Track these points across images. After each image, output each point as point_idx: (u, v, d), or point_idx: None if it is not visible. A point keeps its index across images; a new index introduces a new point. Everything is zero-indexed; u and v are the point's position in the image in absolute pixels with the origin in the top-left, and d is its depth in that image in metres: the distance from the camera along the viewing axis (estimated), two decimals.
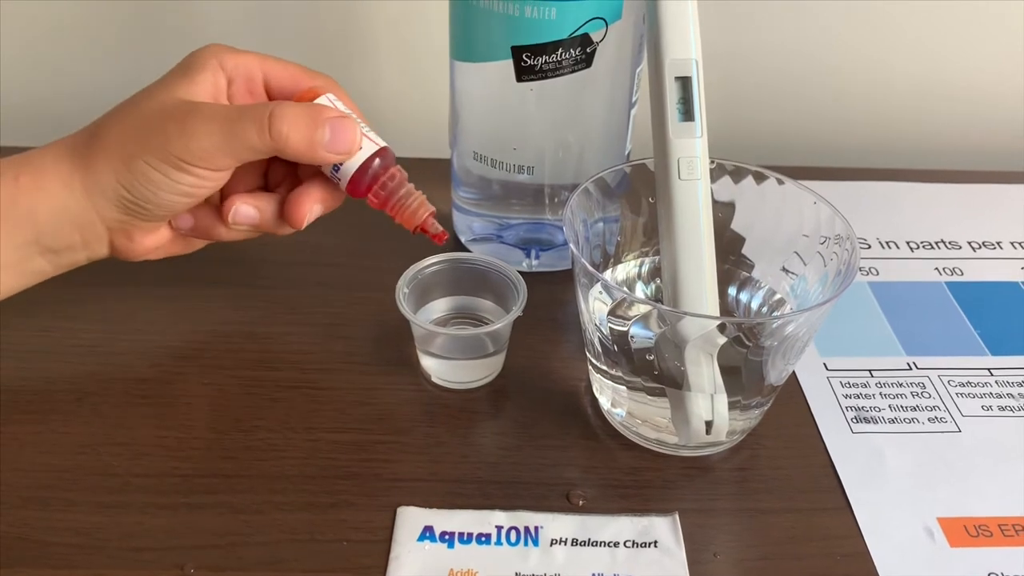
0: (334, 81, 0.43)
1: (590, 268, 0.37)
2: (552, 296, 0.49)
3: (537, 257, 0.51)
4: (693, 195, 0.39)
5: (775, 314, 0.43)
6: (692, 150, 0.39)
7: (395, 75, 0.63)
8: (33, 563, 0.35)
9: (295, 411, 0.42)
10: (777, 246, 0.44)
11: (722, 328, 0.38)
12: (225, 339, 0.46)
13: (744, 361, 0.39)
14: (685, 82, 0.39)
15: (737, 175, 0.44)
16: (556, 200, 0.50)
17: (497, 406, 0.43)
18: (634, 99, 0.47)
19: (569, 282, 0.51)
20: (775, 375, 0.40)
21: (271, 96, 0.43)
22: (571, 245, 0.38)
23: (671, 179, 0.39)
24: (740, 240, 0.45)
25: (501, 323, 0.42)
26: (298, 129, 0.39)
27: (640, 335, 0.40)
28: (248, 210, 0.42)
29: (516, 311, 0.42)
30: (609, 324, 0.40)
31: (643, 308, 0.41)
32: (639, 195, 0.44)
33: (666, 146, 0.39)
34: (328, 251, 0.52)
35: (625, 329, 0.40)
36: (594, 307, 0.40)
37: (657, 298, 0.43)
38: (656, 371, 0.39)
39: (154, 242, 0.43)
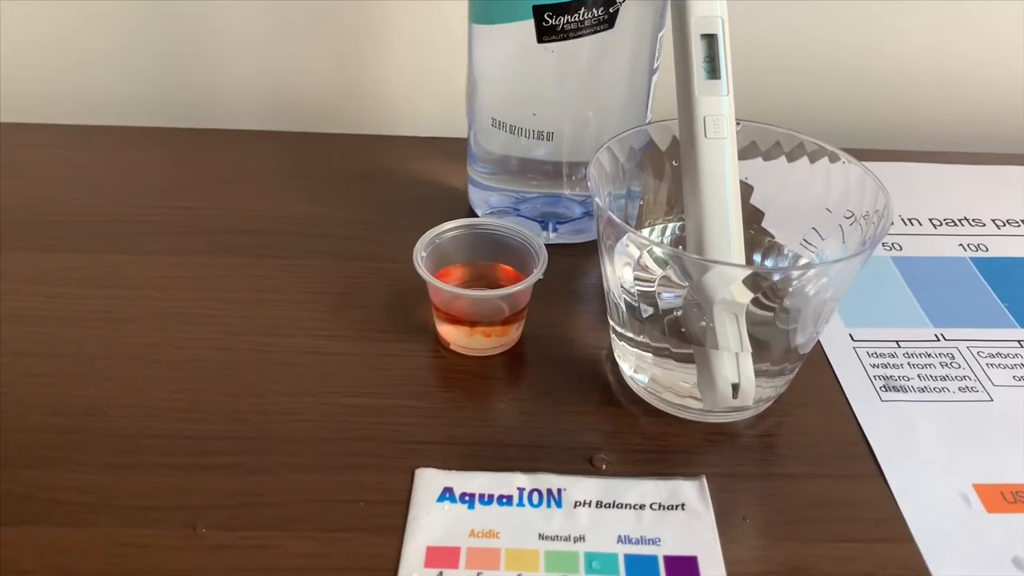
0: None
1: (616, 219, 0.36)
2: (571, 268, 0.48)
3: (555, 230, 0.50)
4: (719, 154, 0.39)
5: (801, 264, 0.42)
6: (719, 108, 0.39)
7: (410, 54, 0.62)
8: (40, 521, 0.34)
9: (309, 376, 0.41)
10: (798, 219, 0.43)
11: (748, 284, 0.37)
12: (236, 306, 0.45)
13: (770, 327, 0.38)
14: (711, 40, 0.39)
15: (763, 139, 0.43)
16: (574, 178, 0.49)
17: (516, 373, 0.42)
18: (656, 65, 0.46)
19: (588, 255, 0.50)
20: (801, 341, 0.39)
21: None
22: (596, 199, 0.37)
23: (697, 137, 0.39)
24: (759, 214, 0.44)
25: (522, 285, 0.41)
26: None
27: (666, 293, 0.39)
28: None
29: (537, 274, 0.41)
30: (635, 284, 0.39)
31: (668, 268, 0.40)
32: (662, 159, 0.43)
33: (691, 104, 0.38)
34: (343, 224, 0.51)
35: (651, 289, 0.39)
36: (619, 267, 0.39)
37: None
38: (683, 329, 0.38)
39: None
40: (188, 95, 0.63)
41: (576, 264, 0.49)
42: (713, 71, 0.39)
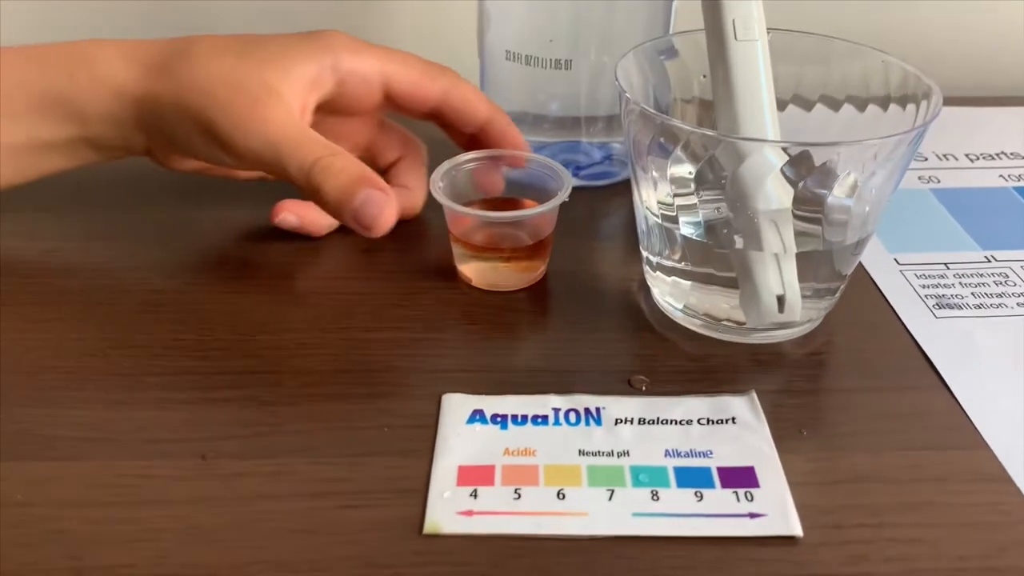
0: (457, 76, 0.42)
1: (649, 110, 0.34)
2: (594, 210, 0.46)
3: (576, 175, 0.48)
4: (752, 56, 0.36)
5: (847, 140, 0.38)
6: (748, 9, 0.36)
7: (417, 16, 0.61)
8: (37, 456, 0.32)
9: (325, 314, 0.39)
10: None
11: (788, 175, 0.34)
12: (245, 252, 0.42)
13: (813, 239, 0.36)
14: None
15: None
16: (591, 129, 0.47)
17: (544, 306, 0.40)
18: None
19: (610, 198, 0.48)
20: (850, 242, 0.36)
21: (393, 96, 0.41)
22: (626, 94, 0.35)
23: (727, 41, 0.36)
24: None
25: (548, 206, 0.38)
26: (338, 184, 0.37)
27: (703, 208, 0.37)
28: (291, 219, 0.42)
29: (562, 196, 0.39)
30: (673, 195, 0.36)
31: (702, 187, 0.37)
32: (690, 77, 0.41)
33: (719, 7, 0.36)
34: None
35: (690, 203, 0.37)
36: (656, 182, 0.37)
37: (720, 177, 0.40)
38: (724, 231, 0.35)
39: (189, 167, 0.43)
40: None
41: (599, 207, 0.46)
42: None
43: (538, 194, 0.41)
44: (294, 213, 0.42)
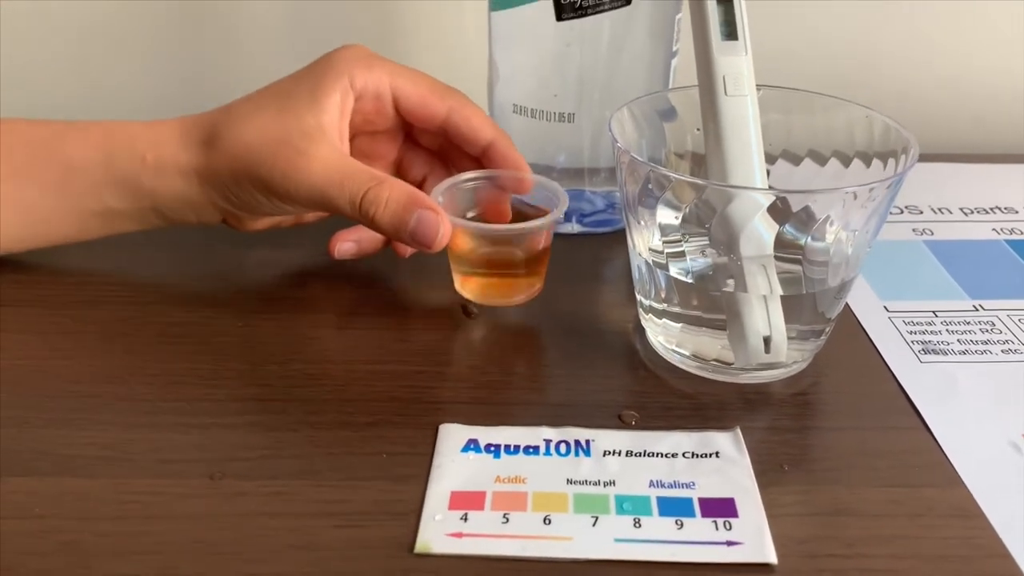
0: (465, 97, 0.43)
1: (638, 158, 0.36)
2: (595, 255, 0.48)
3: (579, 221, 0.50)
4: (742, 111, 0.38)
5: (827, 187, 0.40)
6: (738, 67, 0.39)
7: (429, 70, 0.63)
8: (54, 472, 0.33)
9: (332, 347, 0.41)
10: None
11: (773, 215, 0.36)
12: (260, 289, 0.45)
13: (797, 284, 0.37)
14: (727, 6, 0.39)
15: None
16: (594, 179, 0.49)
17: (541, 343, 0.42)
18: (675, 48, 0.47)
19: (612, 244, 0.50)
20: (832, 285, 0.38)
21: (400, 112, 0.43)
22: (617, 143, 0.37)
23: (717, 96, 0.38)
24: None
25: (540, 222, 0.40)
26: (389, 211, 0.40)
27: (692, 256, 0.39)
28: (348, 246, 0.45)
29: (556, 214, 0.41)
30: (663, 242, 0.38)
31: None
32: (683, 133, 0.43)
33: (710, 64, 0.39)
34: None
35: (678, 249, 0.38)
36: (645, 228, 0.38)
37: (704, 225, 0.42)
38: (712, 274, 0.37)
39: (263, 225, 0.45)
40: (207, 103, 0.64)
41: (601, 252, 0.48)
42: (731, 33, 0.39)
43: (539, 214, 0.43)
44: (349, 240, 0.45)
